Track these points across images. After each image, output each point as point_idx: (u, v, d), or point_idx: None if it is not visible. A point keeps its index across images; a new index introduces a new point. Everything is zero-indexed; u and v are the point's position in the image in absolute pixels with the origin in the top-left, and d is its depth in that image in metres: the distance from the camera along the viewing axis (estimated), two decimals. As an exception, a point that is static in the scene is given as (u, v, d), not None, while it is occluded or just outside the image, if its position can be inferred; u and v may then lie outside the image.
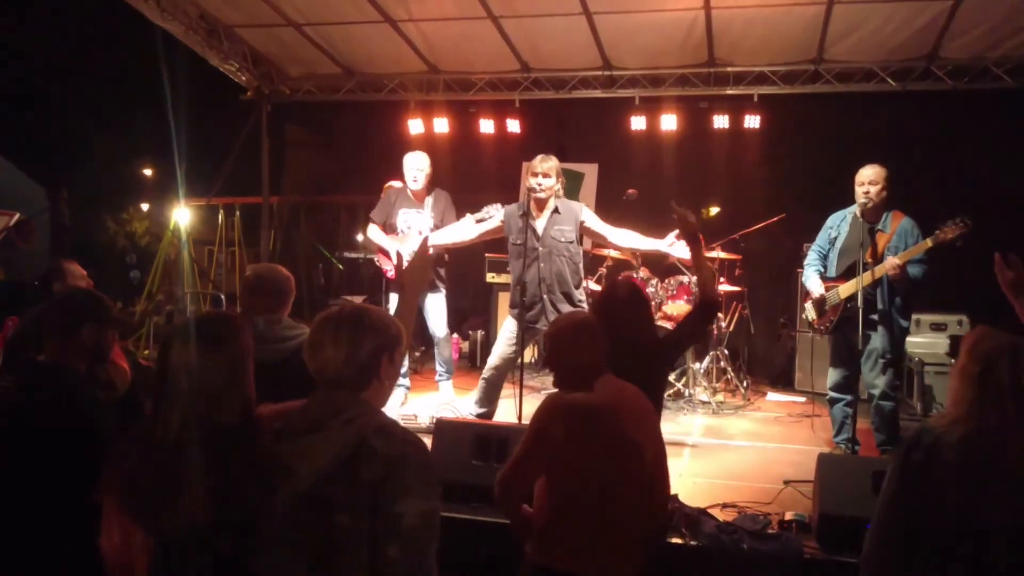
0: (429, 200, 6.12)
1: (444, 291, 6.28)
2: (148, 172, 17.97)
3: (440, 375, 6.40)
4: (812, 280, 5.27)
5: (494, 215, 5.38)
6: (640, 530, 2.69)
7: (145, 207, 18.30)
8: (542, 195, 5.10)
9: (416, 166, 6.06)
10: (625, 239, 5.18)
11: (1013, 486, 2.14)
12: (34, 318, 3.44)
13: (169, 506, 1.96)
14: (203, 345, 2.06)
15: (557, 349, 2.84)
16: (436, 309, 6.24)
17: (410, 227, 6.09)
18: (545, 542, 2.64)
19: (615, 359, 2.97)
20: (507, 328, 5.27)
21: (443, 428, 4.23)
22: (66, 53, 13.78)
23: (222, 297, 8.77)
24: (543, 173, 5.09)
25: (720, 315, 7.33)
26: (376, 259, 6.40)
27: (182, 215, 9.87)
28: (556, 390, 2.82)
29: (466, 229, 5.50)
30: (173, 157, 9.61)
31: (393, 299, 6.19)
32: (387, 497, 1.83)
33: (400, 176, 6.23)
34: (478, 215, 5.50)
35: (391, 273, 6.20)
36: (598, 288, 7.47)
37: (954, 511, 2.19)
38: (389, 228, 6.16)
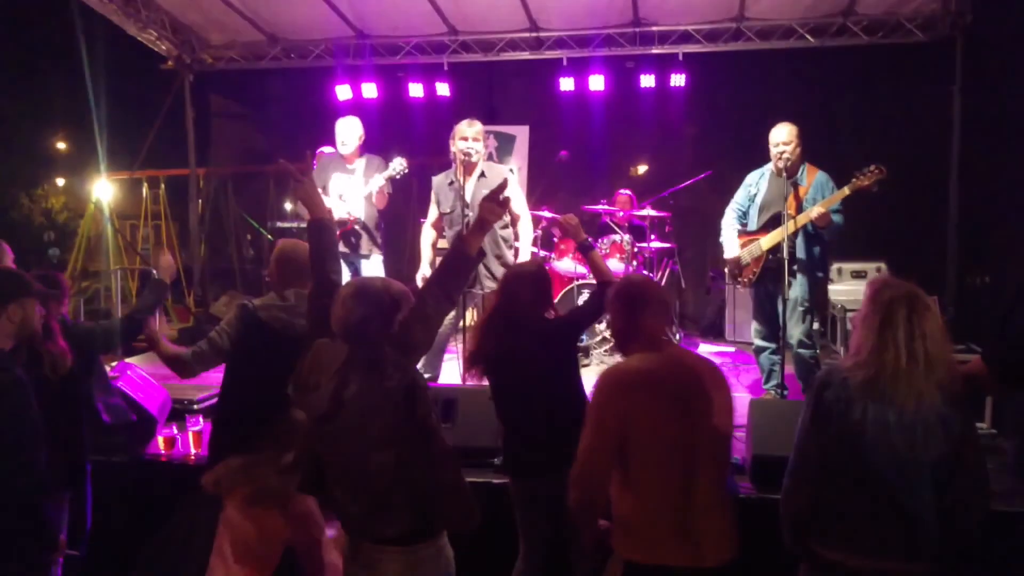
0: (361, 163, 6.03)
1: (380, 255, 6.09)
2: (62, 146, 17.33)
3: None
4: (728, 240, 5.39)
5: (399, 169, 5.58)
6: (727, 503, 2.55)
7: (61, 182, 17.68)
8: (475, 158, 5.14)
9: (344, 130, 5.94)
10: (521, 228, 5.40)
11: (902, 426, 2.33)
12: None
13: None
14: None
15: (619, 311, 2.69)
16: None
17: (341, 193, 6.01)
18: (631, 535, 2.46)
19: (516, 343, 3.08)
20: None
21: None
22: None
23: (153, 272, 8.56)
24: (473, 137, 5.13)
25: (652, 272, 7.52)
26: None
27: (104, 189, 9.60)
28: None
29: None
30: (91, 129, 9.33)
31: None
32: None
33: (331, 142, 6.15)
34: (387, 172, 5.60)
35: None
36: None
37: (858, 447, 2.36)
38: (323, 193, 6.08)
